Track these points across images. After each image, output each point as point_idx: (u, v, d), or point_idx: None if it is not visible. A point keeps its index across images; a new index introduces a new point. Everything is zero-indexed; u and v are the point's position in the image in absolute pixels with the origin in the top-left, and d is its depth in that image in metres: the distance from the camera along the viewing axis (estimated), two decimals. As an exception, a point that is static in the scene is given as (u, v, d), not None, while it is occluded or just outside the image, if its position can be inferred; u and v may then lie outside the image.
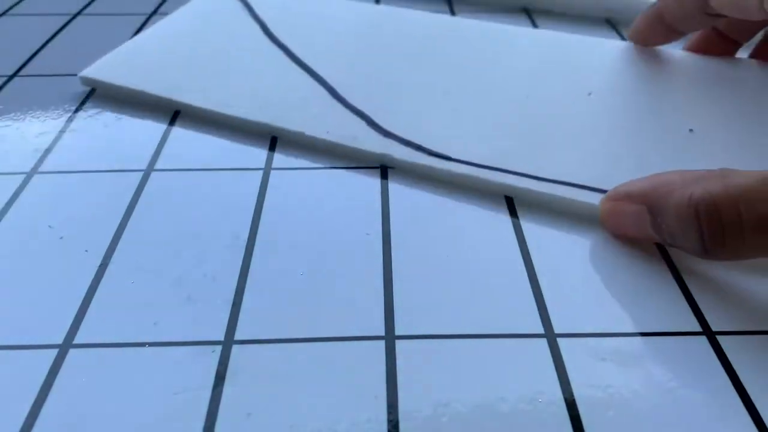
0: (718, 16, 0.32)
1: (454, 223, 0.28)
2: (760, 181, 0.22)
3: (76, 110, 0.35)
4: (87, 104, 0.36)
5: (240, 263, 0.25)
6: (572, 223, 0.27)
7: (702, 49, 0.37)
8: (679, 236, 0.24)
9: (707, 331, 0.23)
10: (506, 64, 0.37)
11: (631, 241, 0.27)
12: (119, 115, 0.35)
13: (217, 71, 0.36)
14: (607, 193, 0.27)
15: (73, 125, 0.34)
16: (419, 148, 0.30)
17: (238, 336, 0.22)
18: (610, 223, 0.27)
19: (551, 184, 0.28)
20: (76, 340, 0.22)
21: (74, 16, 0.48)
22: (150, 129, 0.34)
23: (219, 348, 0.22)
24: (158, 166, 0.31)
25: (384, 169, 0.31)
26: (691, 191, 0.23)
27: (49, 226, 0.27)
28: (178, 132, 0.33)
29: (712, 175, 0.24)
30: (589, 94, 0.33)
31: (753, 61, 0.36)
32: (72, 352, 0.22)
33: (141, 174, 0.30)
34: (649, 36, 0.37)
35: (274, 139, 0.33)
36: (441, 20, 0.42)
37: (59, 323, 0.23)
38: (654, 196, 0.25)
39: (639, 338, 0.22)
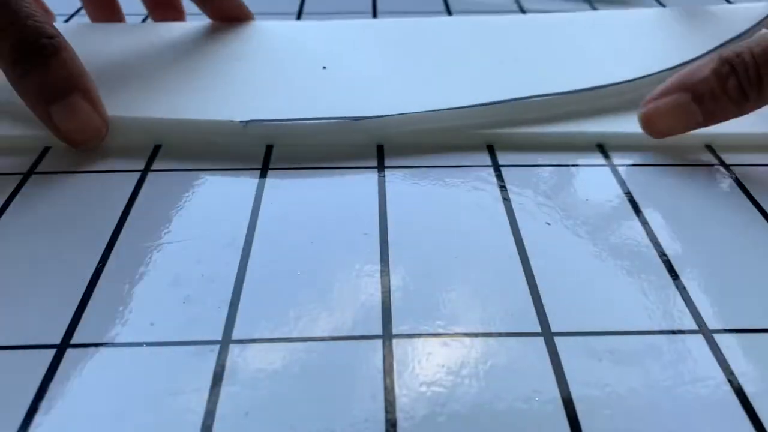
0: None
1: (451, 220, 0.28)
2: None
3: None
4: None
5: (237, 263, 0.25)
6: (568, 226, 0.27)
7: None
8: (719, 96, 0.28)
9: (704, 330, 0.23)
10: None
11: (675, 135, 0.31)
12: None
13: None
14: (641, 103, 0.31)
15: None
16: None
17: (235, 336, 0.22)
18: (655, 122, 0.30)
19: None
20: (73, 341, 0.22)
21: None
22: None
23: (217, 348, 0.22)
24: (155, 166, 0.31)
25: (380, 167, 0.31)
26: (719, 53, 0.29)
27: (47, 226, 0.27)
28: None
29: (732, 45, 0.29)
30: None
31: None
32: (69, 353, 0.22)
33: (138, 174, 0.30)
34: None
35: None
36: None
37: (56, 323, 0.23)
38: (688, 76, 0.29)
39: (636, 337, 0.23)
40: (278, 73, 0.36)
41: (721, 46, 0.37)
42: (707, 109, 0.29)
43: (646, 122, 0.31)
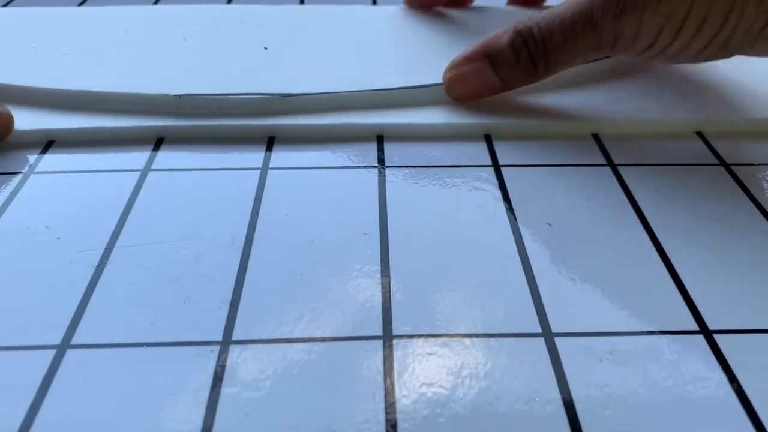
0: None
1: (451, 220, 0.28)
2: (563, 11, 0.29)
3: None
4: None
5: (238, 263, 0.25)
6: (568, 226, 0.27)
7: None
8: (513, 66, 0.30)
9: (704, 330, 0.23)
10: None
11: (476, 100, 0.32)
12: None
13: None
14: (446, 67, 0.32)
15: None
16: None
17: (236, 336, 0.22)
18: (456, 87, 0.32)
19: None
20: (73, 341, 0.22)
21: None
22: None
23: (217, 348, 0.22)
24: (155, 166, 0.31)
25: (380, 167, 0.31)
26: (514, 25, 0.30)
27: (46, 227, 0.27)
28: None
29: (524, 16, 0.30)
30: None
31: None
32: (70, 353, 0.22)
33: (138, 174, 0.30)
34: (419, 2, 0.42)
35: (271, 139, 0.33)
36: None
37: (57, 324, 0.23)
38: (488, 45, 0.31)
39: (636, 337, 0.23)
40: (222, 52, 0.38)
41: None
42: (503, 76, 0.31)
43: (449, 87, 0.32)
